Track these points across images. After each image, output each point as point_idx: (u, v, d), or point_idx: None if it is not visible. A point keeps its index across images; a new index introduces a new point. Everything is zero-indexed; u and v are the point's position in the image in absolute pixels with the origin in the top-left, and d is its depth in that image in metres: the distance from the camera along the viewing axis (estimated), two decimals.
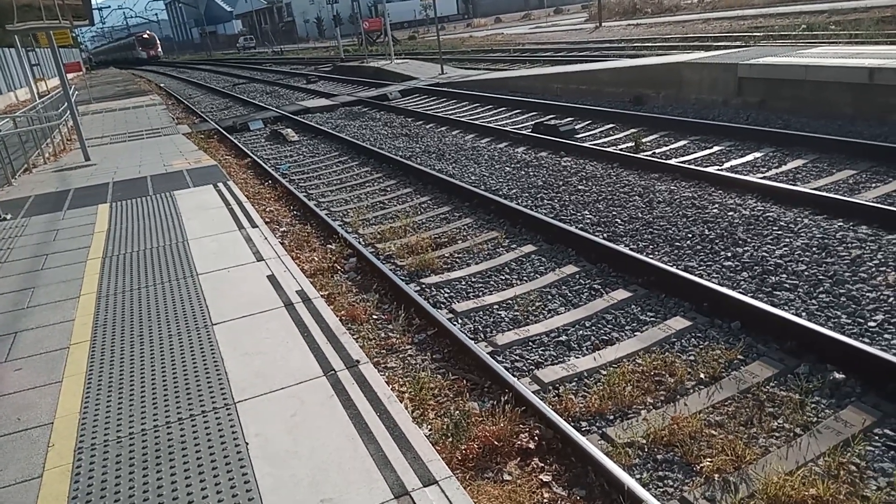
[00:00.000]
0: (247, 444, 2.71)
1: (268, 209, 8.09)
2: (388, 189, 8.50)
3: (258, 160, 10.89)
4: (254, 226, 5.91)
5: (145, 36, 77.57)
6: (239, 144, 12.66)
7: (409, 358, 4.27)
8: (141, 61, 72.29)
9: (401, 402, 3.13)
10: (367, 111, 15.47)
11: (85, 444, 2.90)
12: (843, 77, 8.70)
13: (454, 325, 4.60)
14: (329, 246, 6.49)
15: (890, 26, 18.97)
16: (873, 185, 6.26)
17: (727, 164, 7.46)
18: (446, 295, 5.20)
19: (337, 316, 4.85)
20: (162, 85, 32.40)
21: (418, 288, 5.33)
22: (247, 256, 5.10)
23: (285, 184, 8.98)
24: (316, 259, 6.22)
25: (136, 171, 9.24)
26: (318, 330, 3.65)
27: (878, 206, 5.48)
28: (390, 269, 5.69)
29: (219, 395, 3.13)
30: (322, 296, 5.22)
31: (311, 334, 3.61)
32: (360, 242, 6.51)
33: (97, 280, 5.01)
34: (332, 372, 3.18)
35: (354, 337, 4.56)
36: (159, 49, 76.96)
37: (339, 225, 7.13)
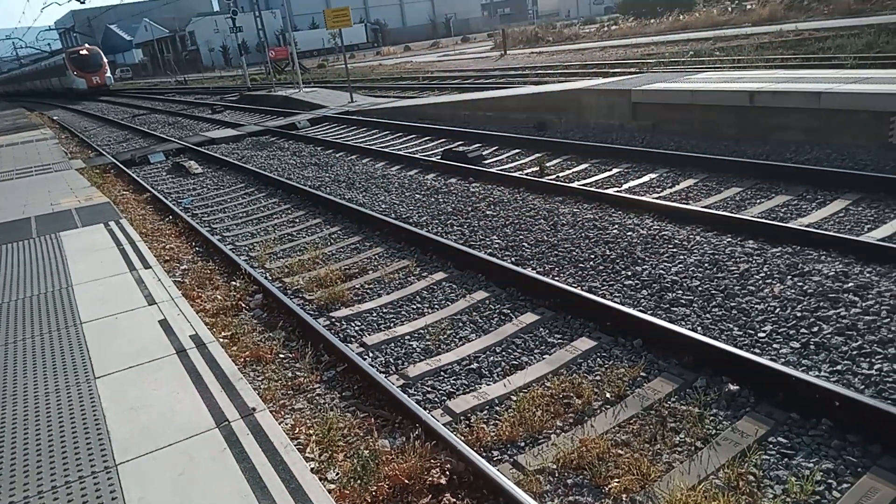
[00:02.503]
0: None
1: (167, 247, 7.69)
2: (297, 220, 8.29)
3: (158, 194, 10.38)
4: (147, 266, 5.57)
5: (83, 52, 45.82)
6: (137, 179, 12.04)
7: (317, 398, 4.11)
8: (77, 94, 44.93)
9: (301, 450, 2.98)
10: (274, 141, 15.14)
11: None
12: (726, 101, 9.31)
13: (364, 359, 4.48)
14: (233, 283, 6.22)
15: (767, 51, 20.64)
16: (758, 201, 6.67)
17: (626, 186, 7.77)
18: (357, 328, 5.08)
19: (241, 357, 4.65)
20: (55, 118, 30.52)
21: (328, 322, 5.18)
22: (137, 300, 4.78)
23: (187, 218, 8.58)
24: (219, 298, 5.93)
25: (19, 211, 8.57)
26: (213, 377, 3.43)
27: (763, 221, 5.84)
28: (298, 304, 5.50)
29: (98, 457, 2.86)
30: (224, 337, 5.00)
31: (205, 382, 3.39)
32: (266, 277, 6.28)
33: None
34: (226, 423, 2.99)
35: (259, 379, 4.38)
36: (107, 73, 46.68)
37: (245, 260, 6.86)
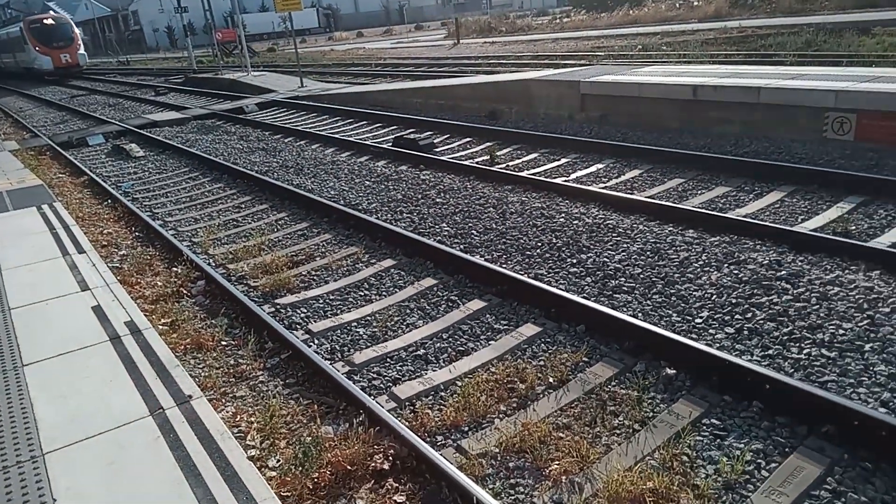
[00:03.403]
0: (54, 500, 2.38)
1: (105, 231, 7.40)
2: (242, 206, 8.10)
3: (96, 178, 9.97)
4: (81, 251, 5.35)
5: (48, 21, 34.88)
6: (75, 161, 11.53)
7: (260, 385, 4.04)
8: (40, 76, 34.43)
9: (242, 438, 2.92)
10: (221, 125, 14.73)
11: None
12: (671, 94, 9.53)
13: (310, 346, 4.43)
14: (174, 269, 6.04)
15: (712, 47, 21.21)
16: (699, 192, 6.87)
17: (573, 175, 7.88)
18: (303, 315, 5.01)
19: (181, 344, 4.53)
20: None
21: (272, 309, 5.09)
22: (70, 286, 4.58)
23: (126, 203, 8.27)
24: (159, 284, 5.76)
25: None
26: (148, 364, 3.32)
27: (703, 211, 6.02)
28: (242, 291, 5.38)
29: (25, 446, 2.74)
30: (164, 324, 4.86)
31: (139, 370, 3.28)
32: (209, 264, 6.12)
33: None
34: (160, 410, 2.90)
35: (199, 366, 4.27)
36: (80, 49, 35.38)
37: (187, 246, 6.66)
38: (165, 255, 6.47)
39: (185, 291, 5.53)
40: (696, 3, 41.62)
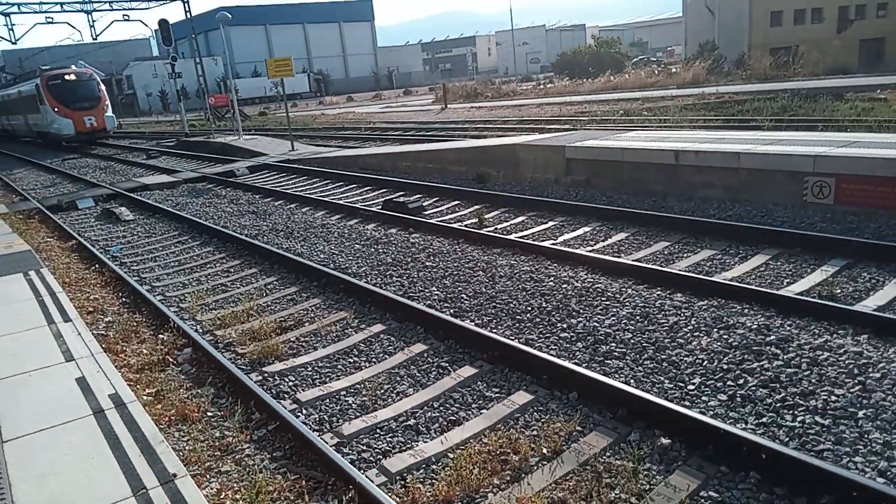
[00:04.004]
0: None
1: (91, 297, 7.32)
2: (232, 270, 8.07)
3: (84, 242, 9.94)
4: (67, 319, 5.28)
5: (69, 77, 29.26)
6: (63, 225, 11.52)
7: (246, 459, 3.93)
8: (59, 142, 29.44)
9: None
10: (211, 188, 14.85)
11: None
12: (654, 158, 9.78)
13: (297, 416, 4.34)
14: (161, 336, 5.96)
15: (691, 112, 21.92)
16: (685, 255, 6.96)
17: (561, 238, 7.97)
18: (291, 383, 4.93)
19: (166, 416, 4.42)
20: None
21: (260, 378, 5.01)
22: (54, 356, 4.50)
23: (114, 267, 8.22)
24: (145, 352, 5.66)
25: None
26: (131, 440, 3.24)
27: (690, 274, 6.08)
28: (229, 359, 5.31)
29: None
30: (149, 394, 4.76)
31: (123, 446, 3.19)
32: (196, 330, 6.05)
33: None
34: (143, 491, 2.80)
35: (184, 439, 4.16)
36: (108, 110, 30.12)
37: (174, 311, 6.60)
38: (152, 322, 6.39)
39: (171, 359, 5.44)
40: (674, 70, 43.32)
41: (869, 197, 7.64)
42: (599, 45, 58.18)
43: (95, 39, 42.98)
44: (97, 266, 8.61)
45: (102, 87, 29.82)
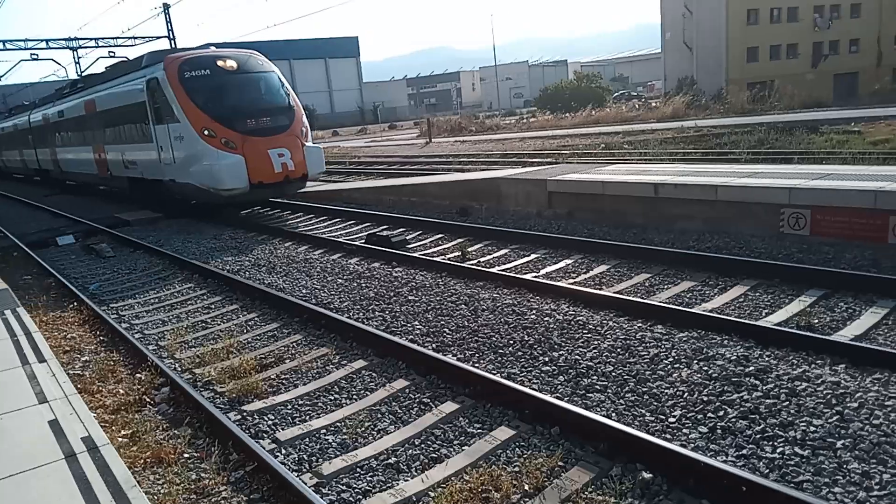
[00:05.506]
0: None
1: (68, 336, 7.21)
2: (212, 307, 8.00)
3: (63, 279, 9.82)
4: (42, 360, 5.19)
5: (227, 64, 13.01)
6: (43, 262, 11.37)
7: (222, 502, 3.85)
8: (180, 200, 14.54)
9: None
10: (193, 223, 14.78)
11: None
12: (633, 192, 9.91)
13: (276, 456, 4.28)
14: (138, 375, 5.87)
15: (671, 146, 22.32)
16: (665, 286, 7.01)
17: (543, 271, 8.01)
18: (270, 422, 4.86)
19: (141, 458, 4.33)
20: None
21: (239, 417, 4.93)
22: (27, 399, 4.41)
23: (92, 305, 8.11)
24: (121, 392, 5.57)
25: None
26: (103, 485, 3.16)
27: (670, 306, 6.13)
28: (208, 398, 5.23)
29: None
30: (124, 436, 4.66)
31: (94, 492, 3.11)
32: (174, 368, 5.97)
33: None
34: None
35: (159, 482, 4.07)
36: (308, 138, 13.78)
37: (153, 350, 6.52)
38: (130, 360, 6.30)
39: (148, 399, 5.35)
40: (654, 105, 44.20)
41: (844, 228, 7.78)
42: (581, 80, 59.34)
43: (80, 76, 41.41)
44: (75, 304, 8.49)
45: (290, 88, 14.47)
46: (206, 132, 12.65)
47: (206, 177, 12.80)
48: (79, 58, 42.09)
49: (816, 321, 5.63)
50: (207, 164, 12.66)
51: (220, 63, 13.39)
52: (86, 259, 11.84)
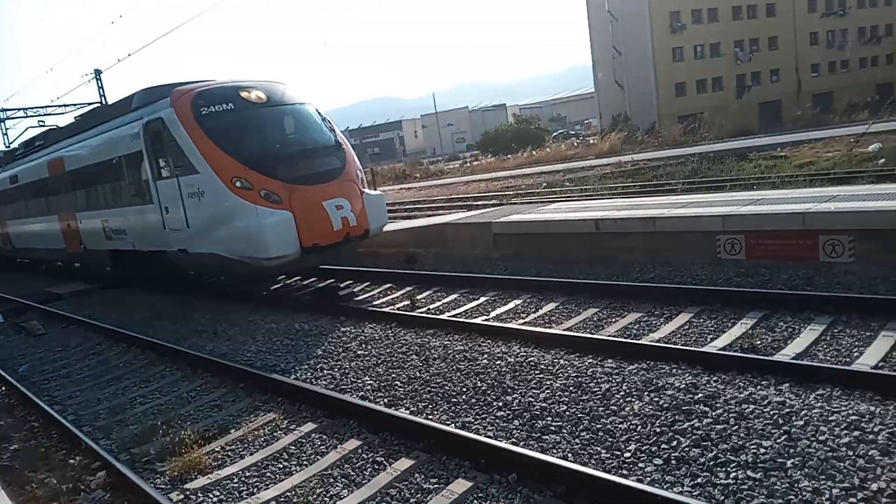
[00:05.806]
0: None
1: None
2: (151, 379, 7.63)
3: None
4: None
5: (255, 96, 10.17)
6: None
7: None
8: (201, 274, 12.01)
9: None
10: (130, 293, 14.23)
11: None
12: (576, 228, 10.09)
13: None
14: (72, 460, 5.49)
15: (610, 180, 23.01)
16: (613, 319, 7.07)
17: (493, 313, 7.98)
18: (215, 499, 4.60)
19: None
20: None
21: (181, 496, 4.65)
22: None
23: (22, 388, 7.63)
24: (54, 481, 5.19)
25: None
26: None
27: (619, 339, 6.17)
28: (147, 479, 4.92)
29: None
30: None
31: None
32: (111, 449, 5.61)
33: None
34: None
35: None
36: (364, 184, 11.04)
37: (88, 431, 6.13)
38: (63, 445, 5.90)
39: (82, 486, 5.00)
40: (592, 142, 45.77)
41: (777, 250, 8.07)
42: (520, 122, 61.10)
43: (8, 147, 39.62)
44: (3, 388, 7.98)
45: (332, 122, 11.78)
46: (237, 183, 9.34)
47: (240, 243, 9.47)
48: (6, 129, 40.60)
49: (759, 342, 5.75)
50: (242, 226, 9.29)
51: (244, 94, 10.29)
52: (15, 338, 11.21)
